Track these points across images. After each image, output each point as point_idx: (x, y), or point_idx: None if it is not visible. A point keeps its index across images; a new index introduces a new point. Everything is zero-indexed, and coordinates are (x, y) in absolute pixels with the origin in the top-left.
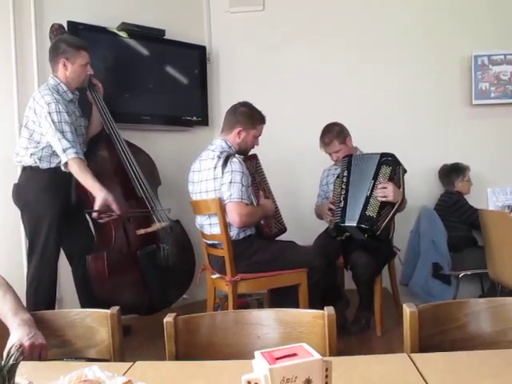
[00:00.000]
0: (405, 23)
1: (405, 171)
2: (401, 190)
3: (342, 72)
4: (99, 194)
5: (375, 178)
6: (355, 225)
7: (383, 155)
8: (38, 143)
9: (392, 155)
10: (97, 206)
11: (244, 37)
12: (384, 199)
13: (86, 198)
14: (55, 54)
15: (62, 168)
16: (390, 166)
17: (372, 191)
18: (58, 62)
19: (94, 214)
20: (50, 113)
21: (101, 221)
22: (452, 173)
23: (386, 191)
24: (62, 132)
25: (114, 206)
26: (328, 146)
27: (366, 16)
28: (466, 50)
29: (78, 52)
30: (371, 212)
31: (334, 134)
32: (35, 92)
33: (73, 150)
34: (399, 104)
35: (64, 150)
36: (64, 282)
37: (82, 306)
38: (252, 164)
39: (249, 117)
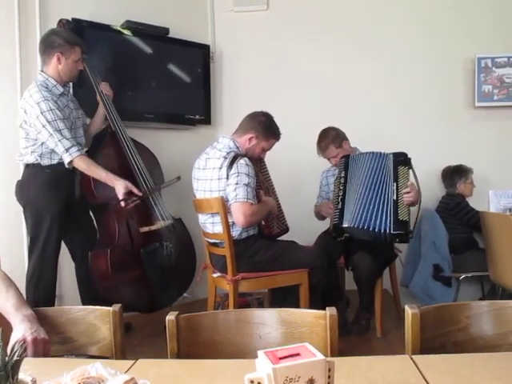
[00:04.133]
0: (408, 24)
1: None
2: (417, 187)
3: (344, 72)
4: (119, 183)
5: (396, 180)
6: (392, 232)
7: (397, 155)
8: (36, 140)
9: (404, 153)
10: (121, 195)
11: (248, 36)
12: (410, 205)
13: (91, 193)
14: (50, 47)
15: (66, 165)
16: (406, 165)
17: (397, 194)
18: (52, 56)
19: (122, 203)
20: (41, 113)
21: (129, 207)
22: (454, 174)
23: (411, 196)
24: (60, 130)
25: (135, 190)
26: (325, 151)
27: (369, 17)
28: (470, 52)
29: (73, 48)
30: (404, 216)
31: (330, 139)
32: (25, 92)
33: (75, 148)
34: (402, 105)
35: (67, 150)
36: (65, 278)
37: (83, 303)
38: (257, 163)
39: (265, 128)
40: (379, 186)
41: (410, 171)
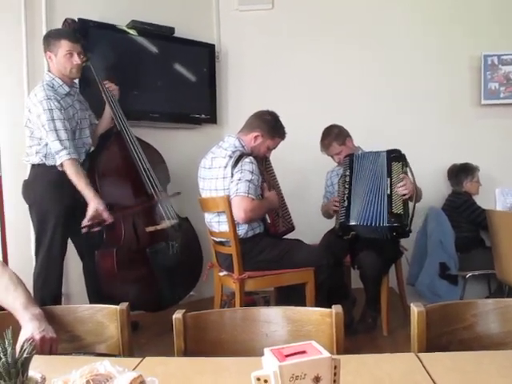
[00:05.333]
0: (414, 22)
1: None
2: (413, 181)
3: (351, 71)
4: (90, 204)
5: (389, 175)
6: (387, 225)
7: (390, 152)
8: (40, 139)
9: (397, 150)
10: (87, 219)
11: (253, 35)
12: (406, 197)
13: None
14: (44, 49)
15: (58, 167)
16: (399, 161)
17: (391, 189)
18: (46, 57)
19: (84, 229)
20: (43, 111)
21: (93, 230)
22: (461, 173)
23: (406, 187)
24: (55, 130)
25: (105, 215)
26: (328, 148)
27: (375, 15)
28: (476, 49)
29: (58, 41)
30: (398, 209)
31: (333, 136)
32: (31, 91)
33: (65, 151)
34: (408, 104)
35: (57, 152)
36: (72, 277)
37: (91, 301)
38: (262, 162)
39: (271, 127)
40: (376, 183)
41: (407, 167)
